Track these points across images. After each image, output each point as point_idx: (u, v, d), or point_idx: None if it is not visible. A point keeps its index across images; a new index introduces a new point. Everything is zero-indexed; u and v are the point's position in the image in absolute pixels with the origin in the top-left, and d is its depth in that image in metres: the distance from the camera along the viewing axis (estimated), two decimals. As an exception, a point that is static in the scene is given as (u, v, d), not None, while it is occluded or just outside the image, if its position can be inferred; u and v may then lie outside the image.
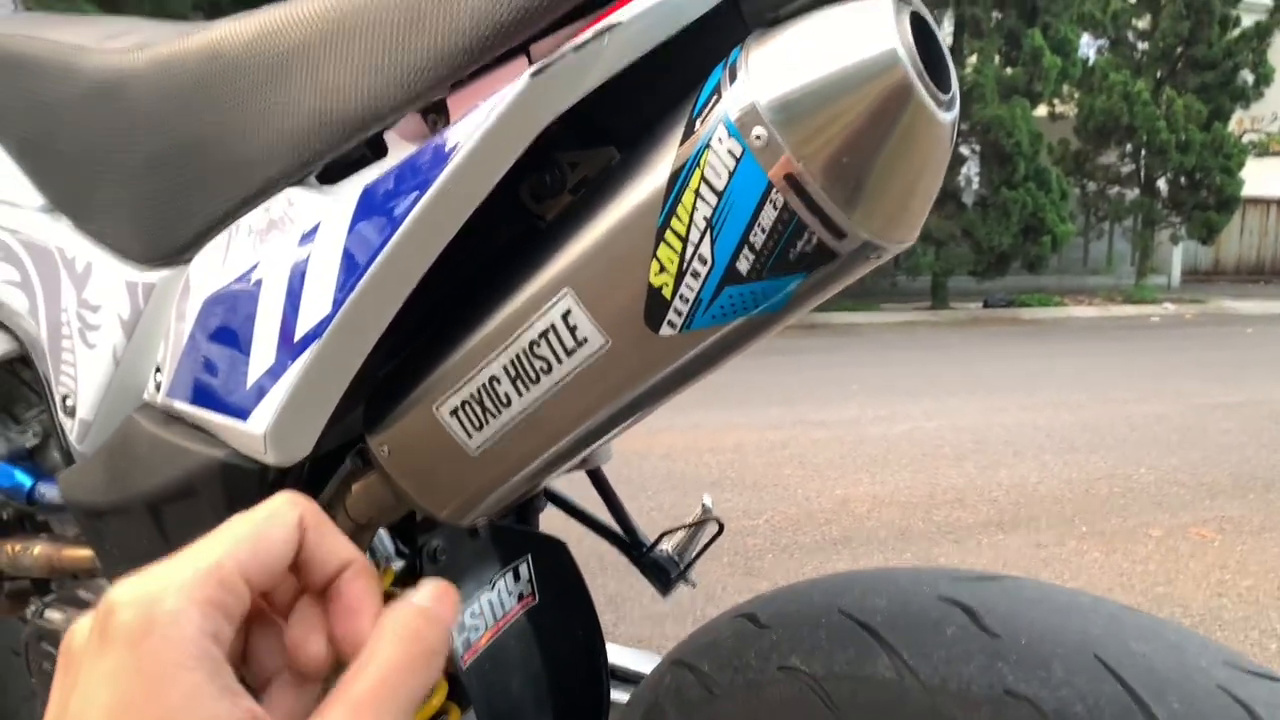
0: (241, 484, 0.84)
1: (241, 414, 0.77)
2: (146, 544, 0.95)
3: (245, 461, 0.82)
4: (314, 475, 0.97)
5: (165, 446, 0.90)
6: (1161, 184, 16.96)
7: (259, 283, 0.78)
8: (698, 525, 1.24)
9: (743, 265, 0.57)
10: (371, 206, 0.69)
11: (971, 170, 15.04)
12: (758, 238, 0.56)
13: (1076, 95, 16.47)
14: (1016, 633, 0.71)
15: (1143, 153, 16.50)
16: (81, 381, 0.99)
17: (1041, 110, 15.41)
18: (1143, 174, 16.88)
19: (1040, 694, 0.68)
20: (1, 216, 1.07)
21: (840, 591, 0.81)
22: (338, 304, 0.68)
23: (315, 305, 0.70)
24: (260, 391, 0.74)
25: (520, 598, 1.08)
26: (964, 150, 14.62)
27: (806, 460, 5.19)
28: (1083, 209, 17.63)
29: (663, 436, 5.51)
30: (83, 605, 1.15)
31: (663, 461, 4.96)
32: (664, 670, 0.89)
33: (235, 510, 0.80)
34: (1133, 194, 17.08)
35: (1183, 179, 16.62)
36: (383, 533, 1.19)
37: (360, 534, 0.92)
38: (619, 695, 1.09)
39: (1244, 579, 3.51)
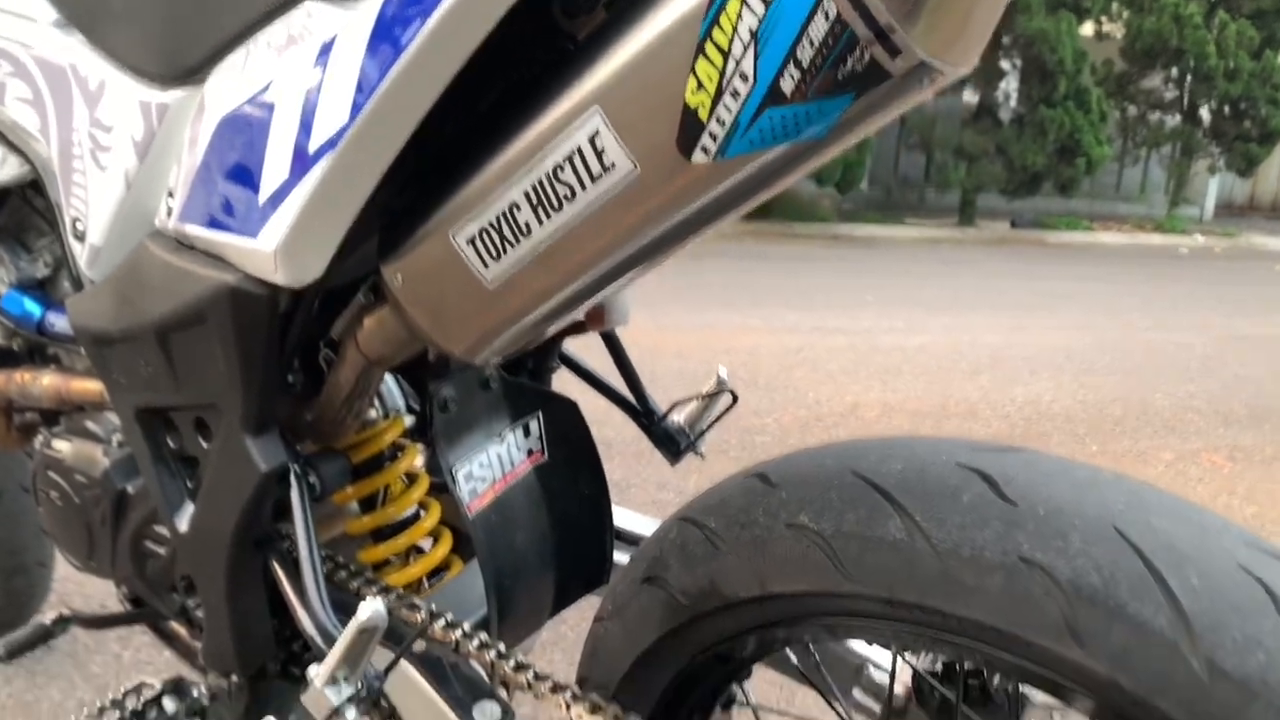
0: (251, 310, 0.82)
1: (252, 233, 0.75)
2: (153, 372, 0.94)
3: (256, 287, 0.80)
4: (326, 311, 0.96)
5: (176, 273, 0.88)
6: (1204, 112, 16.51)
7: (275, 98, 0.74)
8: (711, 396, 1.22)
9: (787, 84, 0.53)
10: (393, 17, 0.65)
11: (1010, 85, 14.66)
12: (805, 52, 0.52)
13: (1125, 15, 15.94)
14: (1035, 503, 0.69)
15: (1188, 78, 16.03)
16: (92, 204, 0.97)
17: (1088, 29, 14.93)
18: (1186, 100, 16.42)
19: (1055, 563, 0.66)
20: (14, 31, 1.04)
21: (855, 456, 0.79)
22: (355, 113, 0.65)
23: (332, 117, 0.67)
24: (272, 207, 0.72)
25: (529, 453, 1.07)
26: (1004, 65, 14.22)
27: (819, 365, 5.17)
28: (1121, 133, 17.23)
29: (676, 335, 5.49)
30: (90, 436, 1.15)
31: (675, 360, 4.95)
32: (670, 526, 0.88)
33: (243, 339, 0.79)
34: (1173, 121, 16.64)
35: (1226, 108, 16.17)
36: (394, 385, 1.18)
37: (370, 372, 0.91)
38: (623, 557, 1.09)
39: (1250, 505, 3.51)
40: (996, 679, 0.91)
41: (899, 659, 0.97)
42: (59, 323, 1.16)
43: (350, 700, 0.84)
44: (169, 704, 1.06)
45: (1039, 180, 14.21)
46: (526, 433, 1.06)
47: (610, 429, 1.21)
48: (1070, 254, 12.54)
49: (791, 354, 5.45)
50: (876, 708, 1.03)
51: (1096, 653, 0.65)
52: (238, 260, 0.78)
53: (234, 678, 1.04)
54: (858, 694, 1.05)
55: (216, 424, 0.92)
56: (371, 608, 0.79)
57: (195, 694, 1.07)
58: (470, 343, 0.75)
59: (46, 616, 1.27)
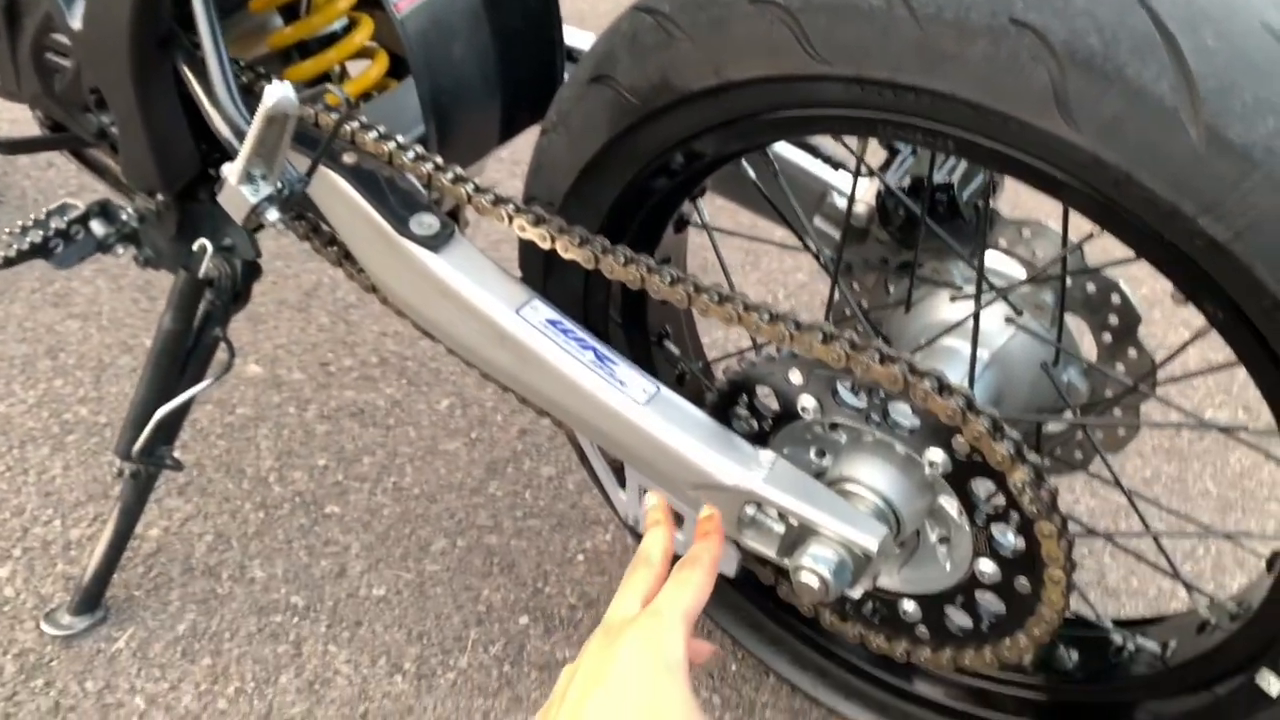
0: None
1: None
2: None
3: None
4: None
5: None
6: None
7: None
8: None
9: None
10: None
11: None
12: None
13: None
14: (1036, -41, 0.59)
15: None
16: None
17: None
18: None
19: (1050, 23, 0.57)
20: None
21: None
22: None
23: None
24: None
25: (466, -50, 0.93)
26: None
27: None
28: None
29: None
30: None
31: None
32: (622, 19, 0.77)
33: None
34: None
35: None
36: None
37: None
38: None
39: None
40: (966, 193, 0.86)
41: (866, 177, 0.92)
42: None
43: (269, 200, 0.78)
44: (97, 226, 1.01)
45: None
46: (462, -75, 0.92)
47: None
48: None
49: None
50: (837, 234, 0.99)
51: (1083, 125, 0.58)
52: None
53: (159, 197, 0.97)
54: (819, 222, 1.00)
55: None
56: (278, 92, 0.71)
57: (124, 217, 1.01)
58: None
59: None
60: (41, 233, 0.98)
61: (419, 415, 1.50)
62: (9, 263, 0.97)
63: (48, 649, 1.13)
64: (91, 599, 1.15)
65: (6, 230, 0.99)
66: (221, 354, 1.07)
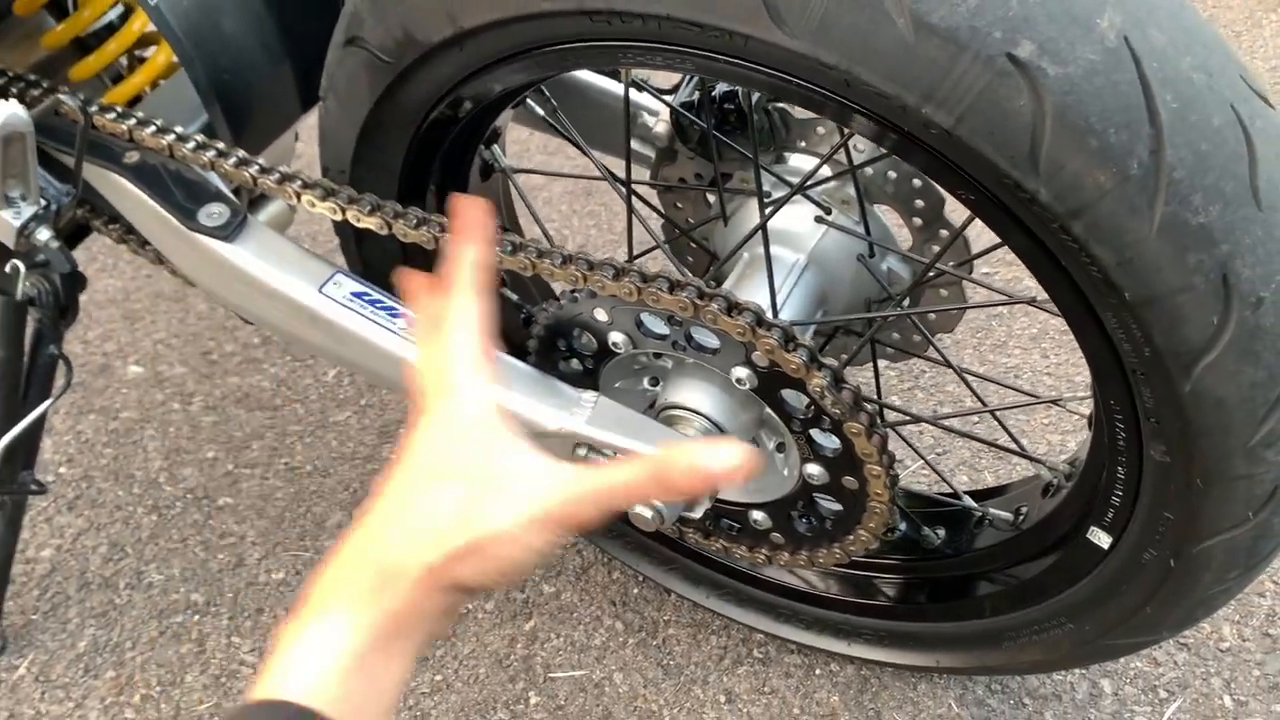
0: None
1: None
2: None
3: None
4: None
5: None
6: None
7: None
8: None
9: None
10: None
11: None
12: None
13: None
14: None
15: None
16: None
17: None
18: None
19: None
20: None
21: None
22: None
23: None
24: None
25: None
26: None
27: None
28: None
29: None
30: None
31: None
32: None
33: None
34: None
35: None
36: None
37: None
38: None
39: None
40: (754, 98, 0.85)
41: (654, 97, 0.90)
42: None
43: (36, 220, 0.76)
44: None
45: None
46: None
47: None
48: None
49: None
50: (652, 154, 0.97)
51: (796, 30, 0.57)
52: None
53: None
54: (636, 145, 0.98)
55: None
56: (4, 111, 0.68)
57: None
58: None
59: None
60: None
61: (306, 390, 1.48)
62: None
63: (-51, 688, 1.13)
64: (-15, 632, 1.14)
65: None
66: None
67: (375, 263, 0.94)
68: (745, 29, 0.58)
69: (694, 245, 1.02)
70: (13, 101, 0.69)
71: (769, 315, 0.71)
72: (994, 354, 1.48)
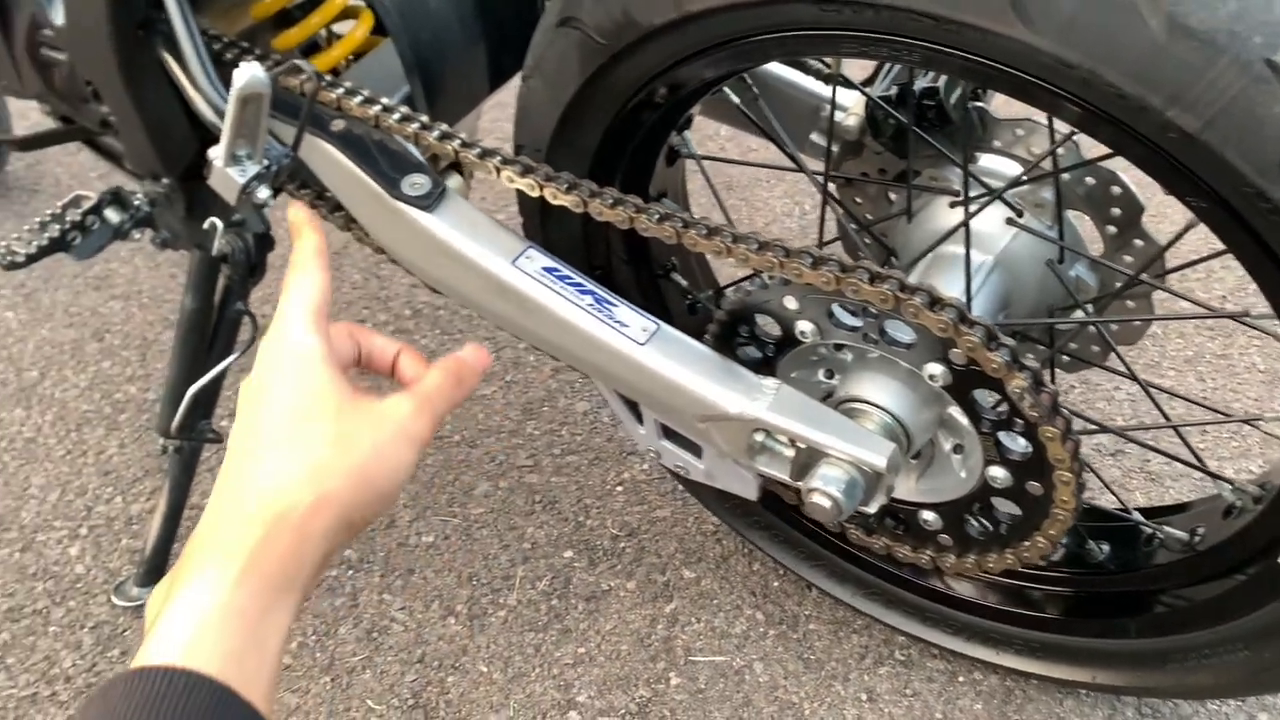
0: None
1: None
2: None
3: None
4: None
5: None
6: None
7: None
8: None
9: None
10: None
11: None
12: None
13: None
14: None
15: None
16: None
17: None
18: None
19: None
20: None
21: None
22: None
23: None
24: None
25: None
26: None
27: None
28: None
29: None
30: None
31: None
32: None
33: None
34: None
35: None
36: None
37: None
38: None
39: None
40: (954, 97, 0.84)
41: (853, 90, 0.90)
42: None
43: (258, 179, 0.80)
44: (111, 214, 1.03)
45: None
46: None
47: None
48: None
49: None
50: (833, 147, 0.97)
51: (1041, 26, 0.56)
52: None
53: (164, 180, 0.99)
54: (815, 138, 0.99)
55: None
56: (247, 72, 0.72)
57: (136, 202, 1.04)
58: None
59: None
60: (58, 227, 1.01)
61: (454, 363, 1.52)
62: (30, 259, 1.00)
63: (120, 620, 1.19)
64: (155, 570, 1.20)
65: (25, 227, 1.02)
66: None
67: (557, 243, 0.97)
68: (987, 24, 0.58)
69: (869, 241, 1.01)
70: (255, 63, 0.73)
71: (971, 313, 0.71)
72: (1147, 374, 1.44)
